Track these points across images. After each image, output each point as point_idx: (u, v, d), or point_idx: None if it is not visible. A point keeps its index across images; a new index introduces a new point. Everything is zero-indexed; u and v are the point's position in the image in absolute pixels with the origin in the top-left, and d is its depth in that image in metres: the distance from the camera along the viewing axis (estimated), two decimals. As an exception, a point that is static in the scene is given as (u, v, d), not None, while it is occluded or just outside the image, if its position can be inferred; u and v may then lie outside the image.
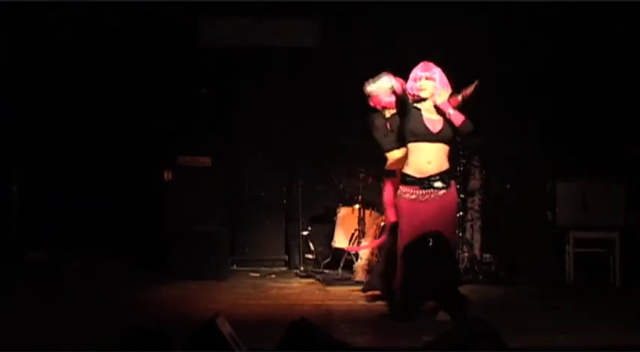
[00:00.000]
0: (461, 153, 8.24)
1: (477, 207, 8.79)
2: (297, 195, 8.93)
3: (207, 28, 9.04)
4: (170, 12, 8.83)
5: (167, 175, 8.45)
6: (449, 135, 6.11)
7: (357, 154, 8.49)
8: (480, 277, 8.07)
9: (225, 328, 4.30)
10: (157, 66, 8.94)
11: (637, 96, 8.53)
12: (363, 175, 8.33)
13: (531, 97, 8.77)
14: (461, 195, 8.24)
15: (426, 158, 6.04)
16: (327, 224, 8.94)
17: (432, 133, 6.06)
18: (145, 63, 8.94)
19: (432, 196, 6.02)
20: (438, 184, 6.02)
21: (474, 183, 8.80)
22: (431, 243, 5.97)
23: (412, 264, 5.98)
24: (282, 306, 6.80)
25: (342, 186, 8.85)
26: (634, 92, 8.54)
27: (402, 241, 6.05)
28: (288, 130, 9.14)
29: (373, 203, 8.36)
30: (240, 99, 9.21)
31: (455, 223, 6.12)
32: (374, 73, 6.79)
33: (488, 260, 8.71)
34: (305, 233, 8.84)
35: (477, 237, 8.82)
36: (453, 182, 6.14)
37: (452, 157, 6.32)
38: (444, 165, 6.08)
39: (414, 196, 6.05)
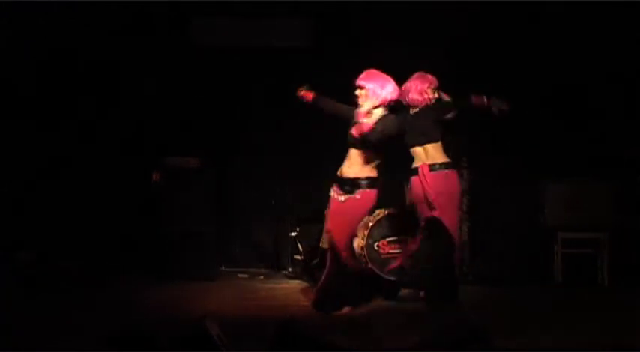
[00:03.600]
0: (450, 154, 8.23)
1: (465, 208, 8.78)
2: (286, 196, 8.91)
3: (201, 28, 9.01)
4: (164, 11, 8.80)
5: (155, 176, 8.43)
6: (364, 140, 6.35)
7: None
8: (469, 278, 8.07)
9: (214, 329, 4.30)
10: (151, 66, 8.90)
11: (627, 97, 8.55)
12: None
13: (521, 97, 8.77)
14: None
15: (348, 161, 6.49)
16: (316, 224, 8.93)
17: (352, 137, 6.43)
18: (138, 62, 8.90)
19: (344, 198, 6.50)
20: (347, 188, 6.47)
21: (462, 184, 8.77)
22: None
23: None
24: (270, 307, 6.80)
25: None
26: (624, 93, 8.55)
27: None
28: (278, 130, 9.11)
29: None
30: (230, 100, 9.17)
31: (351, 228, 6.67)
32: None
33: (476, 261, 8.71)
34: (293, 234, 8.83)
35: (466, 238, 8.80)
36: (367, 191, 6.46)
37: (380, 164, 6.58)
38: (362, 171, 6.43)
39: (335, 194, 6.59)
